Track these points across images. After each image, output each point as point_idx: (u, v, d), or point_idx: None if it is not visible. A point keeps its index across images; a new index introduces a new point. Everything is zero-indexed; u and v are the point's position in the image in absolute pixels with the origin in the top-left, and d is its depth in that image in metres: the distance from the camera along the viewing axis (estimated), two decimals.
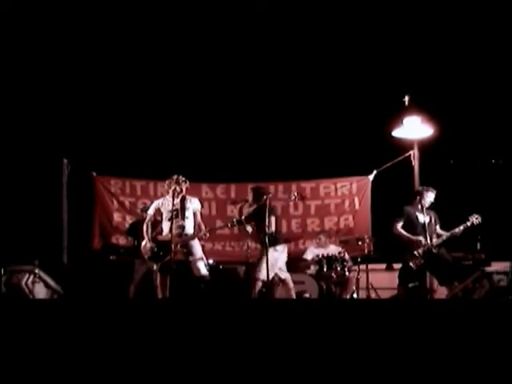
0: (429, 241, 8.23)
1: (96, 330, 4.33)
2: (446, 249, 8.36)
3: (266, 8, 9.38)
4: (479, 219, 8.22)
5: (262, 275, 7.90)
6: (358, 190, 10.54)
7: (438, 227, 8.49)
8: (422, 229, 8.28)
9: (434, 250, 8.25)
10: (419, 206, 8.40)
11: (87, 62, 10.15)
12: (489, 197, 9.57)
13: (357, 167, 10.46)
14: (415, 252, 8.21)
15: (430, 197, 8.46)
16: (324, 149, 10.54)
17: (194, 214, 7.96)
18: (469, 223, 8.23)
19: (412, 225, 8.34)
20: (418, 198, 8.44)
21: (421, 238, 8.26)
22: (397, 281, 8.55)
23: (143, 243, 8.03)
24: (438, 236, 8.38)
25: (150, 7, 9.51)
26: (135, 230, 9.08)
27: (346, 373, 3.99)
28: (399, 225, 8.41)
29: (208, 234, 8.09)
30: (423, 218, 8.35)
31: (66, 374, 4.06)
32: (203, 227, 8.05)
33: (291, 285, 8.33)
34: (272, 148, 10.65)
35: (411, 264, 8.21)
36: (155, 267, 7.89)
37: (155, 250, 7.86)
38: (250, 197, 8.33)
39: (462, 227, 8.25)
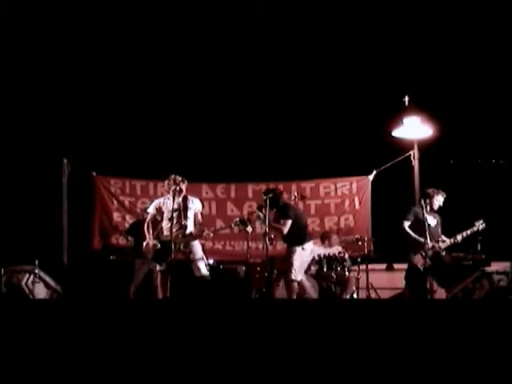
0: (435, 243, 8.22)
1: (96, 330, 4.33)
2: (448, 252, 8.38)
3: (265, 10, 9.39)
4: (484, 225, 8.23)
5: (297, 276, 8.22)
6: (357, 189, 10.53)
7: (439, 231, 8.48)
8: (429, 231, 8.27)
9: (442, 254, 8.23)
10: (428, 208, 8.38)
11: (87, 62, 10.16)
12: (489, 197, 9.57)
13: (357, 167, 10.45)
14: (423, 253, 8.18)
15: (439, 200, 8.44)
16: (324, 149, 10.54)
17: (195, 215, 7.96)
18: (475, 228, 8.24)
19: (419, 226, 8.28)
20: (428, 200, 8.42)
21: (427, 240, 8.23)
22: (397, 281, 8.53)
23: (145, 243, 7.98)
24: (443, 240, 8.37)
25: (150, 8, 9.51)
26: (135, 230, 9.07)
27: (346, 373, 3.99)
28: (407, 224, 8.37)
29: (212, 235, 8.13)
30: (431, 220, 8.34)
31: (66, 374, 4.06)
32: (205, 228, 8.06)
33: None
34: (272, 148, 10.66)
35: (418, 265, 8.18)
36: (159, 267, 7.86)
37: (158, 249, 7.84)
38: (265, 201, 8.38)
39: (468, 232, 8.25)
